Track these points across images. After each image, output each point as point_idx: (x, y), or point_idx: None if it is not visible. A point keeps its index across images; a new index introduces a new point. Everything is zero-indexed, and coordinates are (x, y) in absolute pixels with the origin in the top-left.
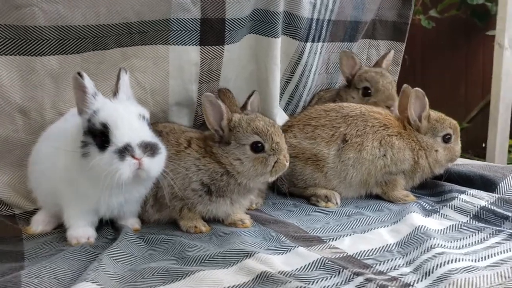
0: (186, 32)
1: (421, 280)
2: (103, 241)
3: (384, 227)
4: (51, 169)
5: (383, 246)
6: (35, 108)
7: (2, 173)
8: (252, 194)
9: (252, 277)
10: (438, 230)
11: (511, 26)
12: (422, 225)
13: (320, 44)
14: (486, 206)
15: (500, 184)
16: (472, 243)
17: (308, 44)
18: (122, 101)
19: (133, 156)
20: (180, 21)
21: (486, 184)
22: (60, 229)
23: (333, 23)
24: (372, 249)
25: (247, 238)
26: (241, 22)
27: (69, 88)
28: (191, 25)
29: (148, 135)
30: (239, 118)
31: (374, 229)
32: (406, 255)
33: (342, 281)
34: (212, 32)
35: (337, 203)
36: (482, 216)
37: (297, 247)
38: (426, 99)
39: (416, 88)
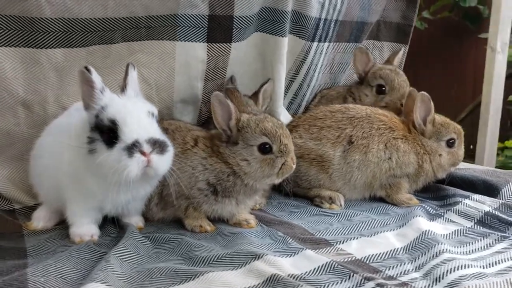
0: (193, 29)
1: (432, 286)
2: (106, 239)
3: (390, 230)
4: (55, 164)
5: (390, 250)
6: (38, 101)
7: (2, 167)
8: (257, 194)
9: (262, 280)
10: (444, 234)
11: (503, 29)
12: (428, 230)
13: (326, 44)
14: (490, 211)
15: (503, 190)
16: (478, 248)
17: (315, 44)
18: (130, 97)
19: (141, 152)
20: (188, 17)
21: (489, 189)
22: (61, 225)
23: (340, 24)
24: (380, 253)
25: (253, 239)
26: (249, 20)
27: (73, 82)
28: (199, 22)
29: (157, 133)
30: (248, 118)
31: (381, 232)
32: (415, 260)
33: (353, 285)
34: (219, 29)
35: (341, 205)
36: (487, 222)
37: (305, 249)
38: (432, 103)
39: (422, 92)
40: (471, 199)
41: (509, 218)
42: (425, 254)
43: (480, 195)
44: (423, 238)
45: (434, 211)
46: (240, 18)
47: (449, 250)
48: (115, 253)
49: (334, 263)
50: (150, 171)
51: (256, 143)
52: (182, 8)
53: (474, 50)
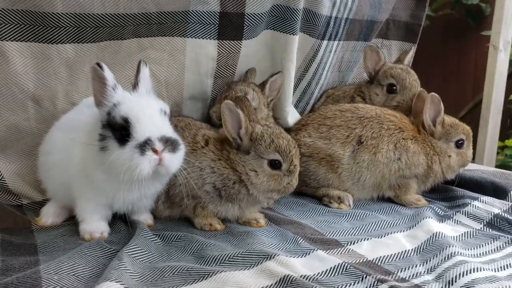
0: (204, 25)
1: None
2: (116, 236)
3: (400, 232)
4: (65, 161)
5: (402, 252)
6: (48, 96)
7: (11, 161)
8: (261, 205)
9: (275, 281)
10: (453, 236)
11: (506, 28)
12: (439, 232)
13: (336, 42)
14: (500, 214)
15: None
16: (489, 251)
17: (325, 42)
18: (142, 94)
19: (153, 150)
20: (199, 13)
21: (497, 191)
22: (70, 221)
23: (350, 22)
24: (391, 254)
25: (264, 239)
26: (261, 17)
27: (83, 78)
28: (210, 18)
29: (169, 131)
30: (262, 131)
31: (391, 233)
32: (426, 262)
33: (366, 287)
34: (230, 26)
35: (349, 205)
36: (496, 224)
37: (316, 250)
38: (442, 104)
39: (432, 93)
40: (480, 201)
41: None
42: (436, 257)
43: (489, 197)
44: (434, 240)
45: (443, 213)
46: (251, 16)
47: (461, 253)
48: (127, 251)
49: (346, 264)
50: (161, 169)
51: (267, 157)
52: (194, 5)
53: (475, 48)
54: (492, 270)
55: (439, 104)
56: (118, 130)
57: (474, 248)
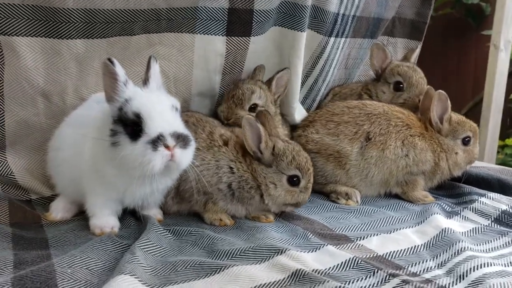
0: (213, 22)
1: (456, 284)
2: (126, 231)
3: (409, 227)
4: (75, 156)
5: (411, 247)
6: (57, 92)
7: (20, 157)
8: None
9: (287, 275)
10: (462, 232)
11: (507, 28)
12: (448, 227)
13: (343, 39)
14: (507, 210)
15: None
16: (497, 247)
17: (332, 39)
18: (153, 90)
19: (165, 145)
20: (208, 9)
21: (504, 187)
22: (80, 216)
23: (357, 19)
24: (402, 250)
25: (274, 234)
26: (269, 13)
27: (92, 73)
28: (219, 15)
29: (181, 127)
30: (284, 147)
31: (400, 229)
32: (436, 257)
33: (378, 282)
34: (239, 22)
35: (357, 201)
36: (504, 220)
37: (326, 245)
38: (449, 101)
39: (440, 91)
40: (488, 198)
41: None
42: (446, 252)
43: (496, 194)
44: (443, 236)
45: (450, 209)
46: (260, 12)
47: (470, 248)
48: (139, 245)
49: (357, 259)
50: (172, 165)
51: (288, 173)
52: (203, 1)
53: (475, 47)
54: (502, 265)
55: (446, 101)
56: (130, 125)
57: (482, 244)
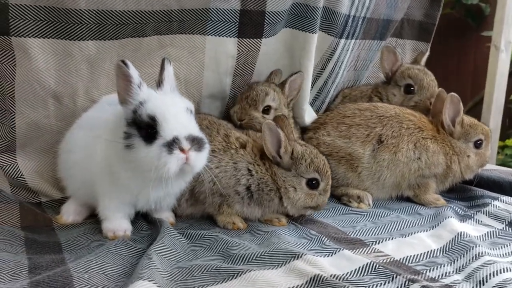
0: (224, 23)
1: None
2: (139, 234)
3: (424, 231)
4: (86, 159)
5: (428, 252)
6: (68, 93)
7: (30, 159)
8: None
9: (305, 280)
10: (477, 236)
11: (508, 28)
12: (463, 232)
13: (353, 41)
14: None
15: None
16: None
17: (342, 41)
18: (167, 92)
19: (180, 148)
20: (219, 11)
21: None
22: (91, 219)
23: (367, 21)
24: (418, 254)
25: (288, 238)
26: (281, 15)
27: (103, 75)
28: (230, 16)
29: (196, 130)
30: (302, 151)
31: (414, 233)
32: (454, 262)
33: (398, 287)
34: (251, 24)
35: (369, 204)
36: None
37: (342, 249)
38: (461, 104)
39: (452, 93)
40: (501, 201)
41: None
42: (464, 256)
43: (509, 197)
44: (459, 240)
45: (463, 212)
46: (272, 14)
47: (488, 253)
48: (155, 249)
49: (375, 264)
50: (187, 168)
51: (307, 176)
52: (214, 2)
53: (474, 48)
54: None
55: (458, 104)
56: (144, 128)
57: (498, 248)
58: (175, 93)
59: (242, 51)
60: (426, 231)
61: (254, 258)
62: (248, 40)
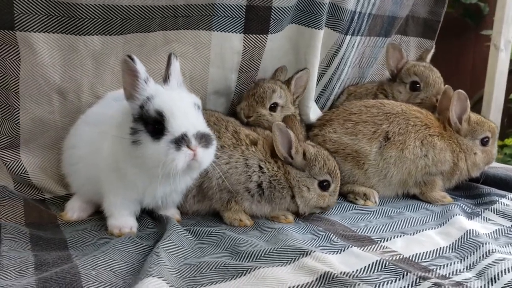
0: (230, 19)
1: (488, 287)
2: (144, 231)
3: (432, 229)
4: (92, 155)
5: (437, 249)
6: (73, 89)
7: (34, 155)
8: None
9: (315, 277)
10: (485, 234)
11: (507, 28)
12: (472, 229)
13: (358, 37)
14: None
15: None
16: None
17: (348, 37)
18: (174, 88)
19: (188, 147)
20: (225, 6)
21: None
22: (96, 216)
23: (373, 17)
24: (427, 252)
25: (296, 235)
26: (287, 11)
27: (108, 70)
28: (236, 12)
29: (203, 126)
30: (315, 152)
31: (422, 230)
32: (464, 260)
33: (408, 285)
34: (257, 20)
35: (375, 202)
36: None
37: (351, 246)
38: (468, 101)
39: (459, 90)
40: (508, 199)
41: None
42: (473, 254)
43: None
44: (468, 238)
45: (470, 210)
46: (278, 9)
47: (498, 250)
48: (162, 246)
49: (384, 261)
50: (194, 164)
51: (319, 178)
52: None
53: (472, 47)
54: None
55: (465, 101)
56: (151, 124)
57: (508, 246)
58: (182, 89)
59: (248, 47)
60: (434, 228)
61: (262, 255)
62: (254, 36)
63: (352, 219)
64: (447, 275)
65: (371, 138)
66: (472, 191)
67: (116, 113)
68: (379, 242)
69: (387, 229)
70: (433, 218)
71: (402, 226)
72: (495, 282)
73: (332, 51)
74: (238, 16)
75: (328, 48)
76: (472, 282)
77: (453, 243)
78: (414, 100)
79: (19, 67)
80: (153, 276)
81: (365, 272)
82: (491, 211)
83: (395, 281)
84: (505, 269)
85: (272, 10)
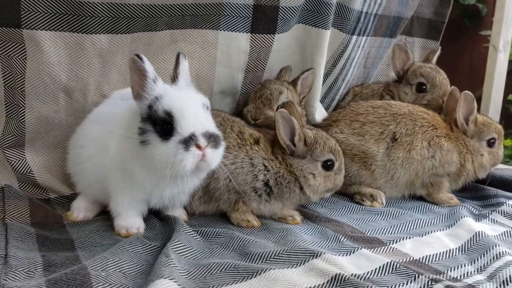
0: (237, 18)
1: None
2: (152, 232)
3: (440, 230)
4: (99, 154)
5: (447, 251)
6: (79, 88)
7: (39, 154)
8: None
9: (326, 279)
10: (494, 236)
11: (506, 29)
12: (481, 231)
13: (364, 38)
14: None
15: None
16: None
17: (354, 37)
18: (182, 87)
19: (197, 145)
20: (233, 6)
21: None
22: (102, 216)
23: (379, 18)
24: (437, 254)
25: (304, 236)
26: (295, 11)
27: (115, 69)
28: (244, 11)
29: (212, 126)
30: (314, 134)
31: (431, 232)
32: (474, 262)
33: (420, 287)
34: (264, 19)
35: (382, 203)
36: None
37: (361, 248)
38: (475, 102)
39: (466, 91)
40: None
41: None
42: (484, 256)
43: None
44: (478, 239)
45: (477, 211)
46: (285, 9)
47: (509, 253)
48: (172, 247)
49: (395, 263)
50: (203, 164)
51: (322, 159)
52: None
53: (470, 48)
54: None
55: (472, 102)
56: (160, 124)
57: None
58: (191, 88)
59: (255, 46)
60: (443, 230)
61: (272, 256)
62: (261, 35)
63: (360, 220)
64: (459, 278)
65: (378, 139)
66: (479, 192)
67: (124, 112)
68: (388, 243)
69: (395, 230)
70: (441, 220)
71: (410, 228)
72: (507, 284)
73: (338, 51)
74: (245, 16)
75: (334, 48)
76: (484, 284)
77: (462, 245)
78: (421, 102)
79: (25, 66)
80: (164, 278)
81: (376, 275)
82: (499, 212)
83: (407, 284)
84: None
85: (280, 10)
